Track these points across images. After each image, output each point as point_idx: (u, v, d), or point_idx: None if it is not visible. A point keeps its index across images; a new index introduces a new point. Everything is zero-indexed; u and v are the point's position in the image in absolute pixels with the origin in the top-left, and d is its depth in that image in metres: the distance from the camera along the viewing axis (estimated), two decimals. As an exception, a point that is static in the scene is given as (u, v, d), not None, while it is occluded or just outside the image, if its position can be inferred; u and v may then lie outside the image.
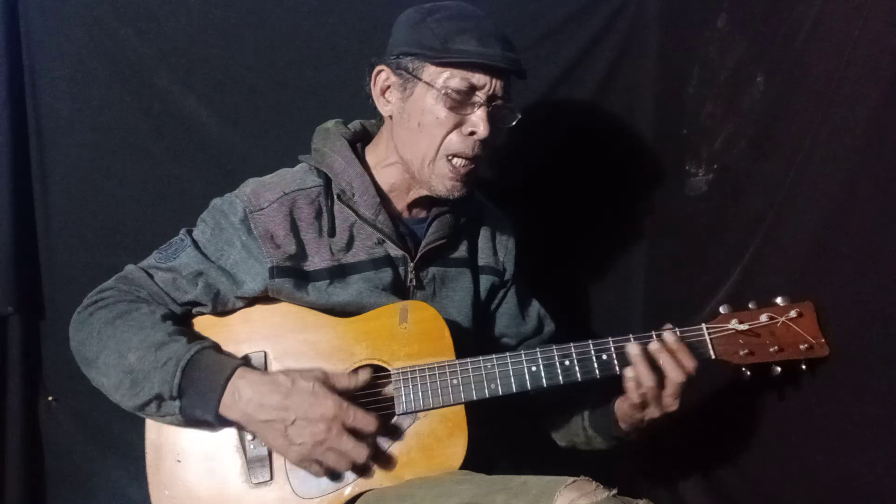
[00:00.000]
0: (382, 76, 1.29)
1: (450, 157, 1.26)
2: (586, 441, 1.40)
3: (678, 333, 1.25)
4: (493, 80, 1.23)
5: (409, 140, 1.28)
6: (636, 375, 1.20)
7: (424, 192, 1.33)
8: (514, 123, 1.30)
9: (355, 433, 1.15)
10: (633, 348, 1.21)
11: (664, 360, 1.21)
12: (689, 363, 1.21)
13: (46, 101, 1.64)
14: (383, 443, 1.22)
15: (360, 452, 1.15)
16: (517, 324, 1.52)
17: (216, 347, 1.22)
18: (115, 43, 1.65)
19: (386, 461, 1.21)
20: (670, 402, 1.22)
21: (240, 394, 1.14)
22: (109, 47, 1.65)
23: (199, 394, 1.14)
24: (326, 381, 1.17)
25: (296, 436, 1.13)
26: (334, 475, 1.19)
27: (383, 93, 1.30)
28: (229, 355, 1.22)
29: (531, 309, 1.55)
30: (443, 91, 1.22)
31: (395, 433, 1.22)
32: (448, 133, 1.25)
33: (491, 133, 1.24)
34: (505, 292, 1.51)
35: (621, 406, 1.28)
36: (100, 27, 1.64)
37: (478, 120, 1.24)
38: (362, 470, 1.19)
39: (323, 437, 1.13)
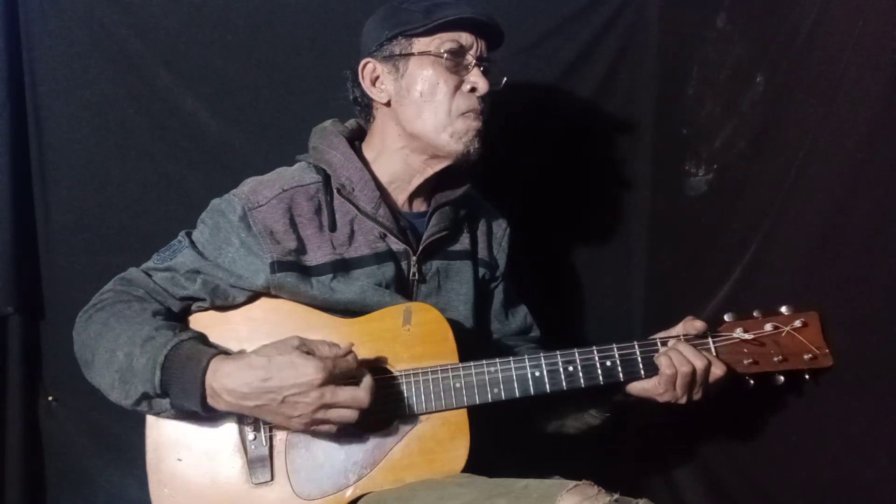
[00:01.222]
0: (370, 67, 1.34)
1: (463, 114, 1.30)
2: (575, 416, 1.42)
3: (682, 340, 1.25)
4: (479, 41, 1.31)
5: (414, 113, 1.30)
6: (675, 358, 1.22)
7: (429, 174, 1.35)
8: (500, 87, 1.35)
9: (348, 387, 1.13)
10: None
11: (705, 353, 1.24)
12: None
13: (46, 101, 1.64)
14: (385, 444, 1.21)
15: (362, 398, 1.13)
16: (500, 320, 1.53)
17: (198, 338, 1.20)
18: (115, 43, 1.65)
19: (387, 463, 1.21)
20: (696, 392, 1.24)
21: (221, 385, 1.11)
22: (109, 47, 1.65)
23: (182, 389, 1.13)
24: (303, 347, 1.14)
25: (291, 410, 1.11)
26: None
27: (374, 83, 1.34)
28: (213, 345, 1.21)
29: (518, 310, 1.57)
30: (437, 54, 1.28)
31: (397, 435, 1.22)
32: (452, 95, 1.29)
33: (489, 91, 1.30)
34: (494, 287, 1.52)
35: (637, 384, 1.28)
36: (100, 27, 1.64)
37: (475, 78, 1.30)
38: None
39: (318, 402, 1.10)
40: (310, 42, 1.73)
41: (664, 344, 1.26)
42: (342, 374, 1.13)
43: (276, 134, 1.74)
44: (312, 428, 1.15)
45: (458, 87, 1.30)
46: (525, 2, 1.81)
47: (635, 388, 1.28)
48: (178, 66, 1.68)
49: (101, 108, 1.67)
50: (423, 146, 1.32)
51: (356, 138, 1.41)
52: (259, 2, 1.70)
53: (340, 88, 1.50)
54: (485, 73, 1.31)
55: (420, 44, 1.29)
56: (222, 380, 1.12)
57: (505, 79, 1.36)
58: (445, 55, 1.28)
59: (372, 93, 1.34)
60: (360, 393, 1.13)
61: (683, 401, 1.25)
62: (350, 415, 1.14)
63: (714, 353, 1.26)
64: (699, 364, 1.22)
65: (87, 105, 1.66)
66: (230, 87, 1.72)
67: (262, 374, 1.11)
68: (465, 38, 1.30)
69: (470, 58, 1.30)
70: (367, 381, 1.15)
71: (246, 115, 1.73)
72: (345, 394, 1.12)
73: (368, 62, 1.34)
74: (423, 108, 1.30)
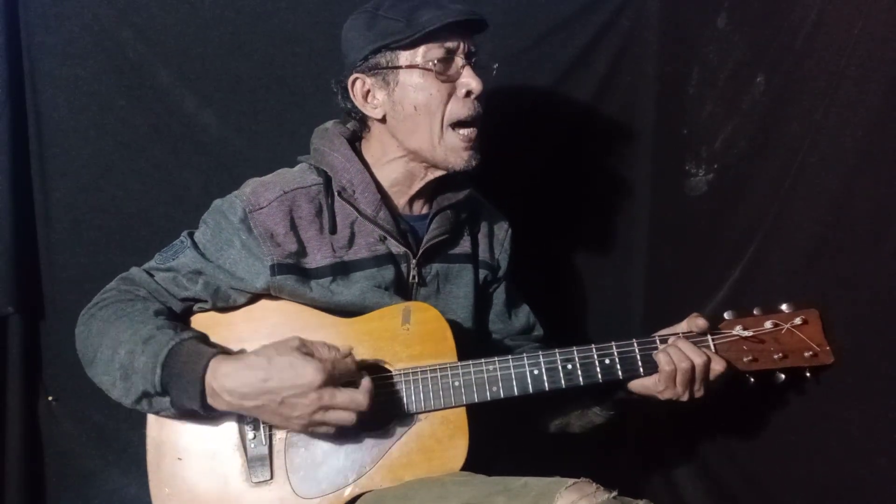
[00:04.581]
0: (359, 84, 1.30)
1: (455, 127, 1.28)
2: (579, 414, 1.41)
3: (682, 337, 1.25)
4: (464, 39, 1.27)
5: (411, 127, 1.29)
6: (674, 355, 1.22)
7: (430, 178, 1.34)
8: (494, 73, 1.33)
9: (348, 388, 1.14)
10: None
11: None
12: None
13: (46, 101, 1.63)
14: (384, 443, 1.22)
15: (360, 401, 1.13)
16: (503, 320, 1.53)
17: (200, 338, 1.21)
18: (115, 43, 1.65)
19: (386, 462, 1.21)
20: (697, 388, 1.24)
21: (220, 385, 1.12)
22: (109, 47, 1.65)
23: (182, 388, 1.14)
24: (303, 348, 1.15)
25: (289, 411, 1.12)
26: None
27: (366, 98, 1.31)
28: (214, 345, 1.21)
29: (521, 310, 1.56)
30: (426, 66, 1.24)
31: (396, 434, 1.22)
32: (446, 103, 1.27)
33: (483, 87, 1.27)
34: (495, 288, 1.52)
35: (638, 381, 1.28)
36: (100, 27, 1.64)
37: (468, 79, 1.26)
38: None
39: (316, 404, 1.11)
40: (311, 41, 1.73)
41: (664, 342, 1.26)
42: (341, 376, 1.14)
43: (277, 134, 1.74)
44: (311, 429, 1.15)
45: (451, 94, 1.27)
46: (525, 2, 1.81)
47: (637, 385, 1.28)
48: (178, 66, 1.68)
49: (101, 108, 1.66)
50: (423, 158, 1.32)
51: (357, 139, 1.40)
52: (260, 1, 1.70)
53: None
54: (475, 68, 1.28)
55: (406, 56, 1.25)
56: (222, 380, 1.12)
57: (497, 65, 1.34)
58: (434, 65, 1.24)
59: (366, 109, 1.31)
60: (359, 396, 1.14)
61: (685, 398, 1.25)
62: (348, 417, 1.14)
63: (714, 351, 1.25)
64: (698, 360, 1.21)
65: (87, 105, 1.66)
66: (230, 87, 1.72)
67: (262, 375, 1.11)
68: (451, 41, 1.25)
69: (459, 60, 1.27)
70: (366, 383, 1.15)
71: (246, 115, 1.73)
72: (343, 396, 1.13)
73: (357, 78, 1.30)
74: (418, 122, 1.27)
